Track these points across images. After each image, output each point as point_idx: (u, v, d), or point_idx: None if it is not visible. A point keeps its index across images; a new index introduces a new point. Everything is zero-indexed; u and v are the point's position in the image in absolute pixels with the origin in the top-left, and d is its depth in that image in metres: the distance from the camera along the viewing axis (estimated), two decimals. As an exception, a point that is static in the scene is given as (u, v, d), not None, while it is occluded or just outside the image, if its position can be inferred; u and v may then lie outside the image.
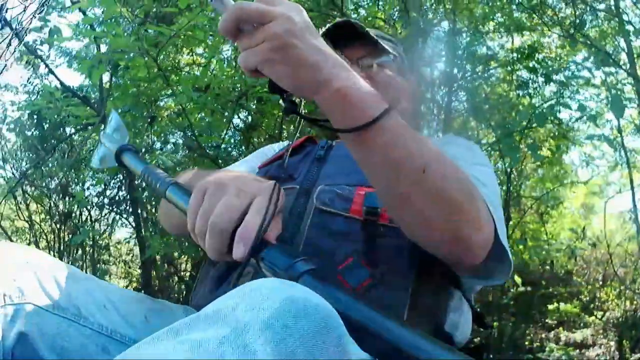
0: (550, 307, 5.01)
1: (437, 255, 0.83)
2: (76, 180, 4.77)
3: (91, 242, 4.55)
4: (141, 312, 0.89)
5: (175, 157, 4.30)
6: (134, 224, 4.35)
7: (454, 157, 0.82)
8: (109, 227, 5.06)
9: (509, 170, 4.56)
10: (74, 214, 4.75)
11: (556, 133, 4.20)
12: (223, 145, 4.16)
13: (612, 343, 4.87)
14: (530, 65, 3.92)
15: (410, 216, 0.77)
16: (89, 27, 4.04)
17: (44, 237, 5.18)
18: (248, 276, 0.85)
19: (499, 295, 4.62)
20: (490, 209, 0.82)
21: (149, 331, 0.78)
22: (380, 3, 4.44)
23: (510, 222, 4.41)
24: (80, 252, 5.10)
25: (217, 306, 0.50)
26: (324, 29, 1.14)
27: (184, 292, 4.78)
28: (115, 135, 1.26)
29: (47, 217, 5.08)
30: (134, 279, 5.55)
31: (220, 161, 3.52)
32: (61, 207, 4.82)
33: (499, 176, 5.29)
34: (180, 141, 4.84)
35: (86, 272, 5.01)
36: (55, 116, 4.14)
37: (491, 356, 4.59)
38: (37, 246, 5.30)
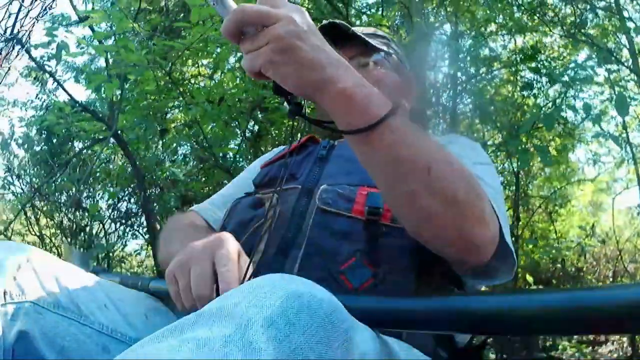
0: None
1: (443, 255, 0.84)
2: (88, 194, 4.89)
3: (102, 255, 4.65)
4: (141, 311, 0.90)
5: (185, 168, 4.41)
6: (147, 236, 4.46)
7: (457, 156, 0.83)
8: (121, 240, 5.17)
9: (517, 170, 4.64)
10: (87, 227, 4.86)
11: (562, 132, 4.29)
12: (231, 155, 4.28)
13: (625, 339, 4.93)
14: (534, 66, 4.03)
15: (416, 216, 0.78)
16: (97, 42, 4.16)
17: (55, 250, 5.29)
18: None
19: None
20: (495, 208, 0.84)
21: (149, 330, 0.83)
22: (384, 10, 4.55)
23: (520, 222, 4.48)
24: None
25: (221, 303, 0.50)
26: None
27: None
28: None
29: (58, 231, 5.19)
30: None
31: (232, 172, 3.64)
32: (72, 220, 4.93)
33: (506, 177, 5.40)
34: (187, 152, 4.98)
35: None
36: (64, 130, 4.26)
37: (504, 356, 4.68)
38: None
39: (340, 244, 0.87)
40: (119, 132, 3.72)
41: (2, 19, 1.81)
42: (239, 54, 3.75)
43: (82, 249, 4.84)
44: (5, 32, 1.90)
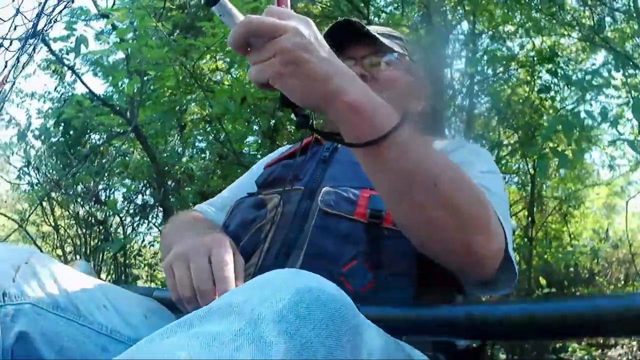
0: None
1: (448, 268, 0.85)
2: (104, 186, 5.01)
3: (118, 250, 4.76)
4: (140, 312, 0.91)
5: (202, 163, 4.52)
6: (161, 228, 4.57)
7: (462, 162, 0.84)
8: (135, 232, 5.29)
9: (532, 171, 4.70)
10: (104, 220, 4.98)
11: (579, 136, 4.34)
12: (247, 150, 4.39)
13: (634, 343, 5.00)
14: (551, 68, 4.10)
15: (422, 228, 0.79)
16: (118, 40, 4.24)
17: (70, 241, 5.42)
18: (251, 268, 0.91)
19: (524, 297, 4.76)
20: (500, 219, 0.85)
21: (148, 330, 0.78)
22: (404, 9, 4.61)
23: (535, 224, 4.55)
24: (101, 256, 5.35)
25: (230, 299, 0.50)
26: (326, 29, 1.14)
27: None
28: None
29: (74, 222, 5.31)
30: (159, 282, 5.80)
31: (249, 167, 3.73)
32: (89, 212, 5.05)
33: (521, 177, 5.47)
34: (203, 145, 5.08)
35: (113, 276, 5.27)
36: (85, 123, 4.36)
37: (515, 357, 4.78)
38: (63, 250, 5.57)
39: (342, 247, 0.87)
40: (138, 126, 3.83)
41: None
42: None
43: (98, 241, 4.98)
44: (28, 29, 1.99)
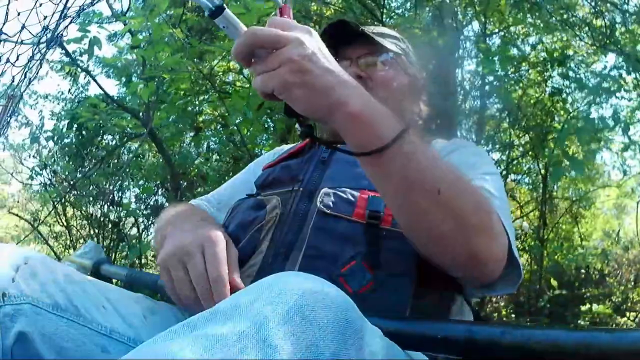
0: (583, 308, 5.20)
1: (452, 273, 0.88)
2: (118, 187, 5.12)
3: (137, 256, 4.84)
4: (140, 312, 0.92)
5: (216, 165, 4.61)
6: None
7: (463, 164, 0.87)
8: (148, 232, 5.38)
9: (543, 171, 4.76)
10: (119, 222, 5.09)
11: (591, 138, 4.41)
12: (259, 152, 4.50)
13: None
14: (562, 71, 4.17)
15: (426, 235, 0.81)
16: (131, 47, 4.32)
17: (83, 241, 5.53)
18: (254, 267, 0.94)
19: (534, 297, 4.87)
20: (503, 223, 0.86)
21: (148, 330, 0.88)
22: (416, 10, 4.69)
23: (546, 226, 4.61)
24: (114, 255, 5.47)
25: (235, 301, 0.51)
26: (321, 29, 1.15)
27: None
28: (89, 254, 1.57)
29: (85, 222, 5.42)
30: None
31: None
32: (103, 214, 5.16)
33: (532, 176, 5.54)
34: (214, 146, 5.18)
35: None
36: (99, 124, 4.45)
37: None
38: (75, 251, 5.67)
39: (341, 247, 0.88)
40: (153, 128, 3.94)
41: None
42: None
43: (110, 242, 5.09)
44: (44, 31, 2.06)
